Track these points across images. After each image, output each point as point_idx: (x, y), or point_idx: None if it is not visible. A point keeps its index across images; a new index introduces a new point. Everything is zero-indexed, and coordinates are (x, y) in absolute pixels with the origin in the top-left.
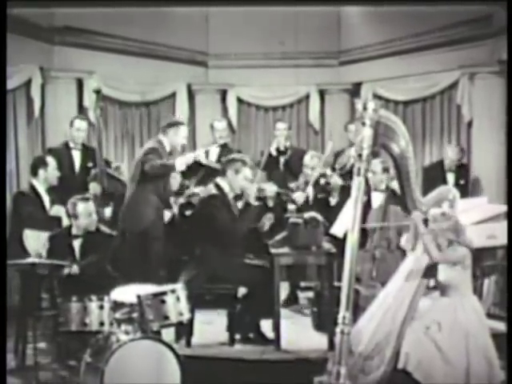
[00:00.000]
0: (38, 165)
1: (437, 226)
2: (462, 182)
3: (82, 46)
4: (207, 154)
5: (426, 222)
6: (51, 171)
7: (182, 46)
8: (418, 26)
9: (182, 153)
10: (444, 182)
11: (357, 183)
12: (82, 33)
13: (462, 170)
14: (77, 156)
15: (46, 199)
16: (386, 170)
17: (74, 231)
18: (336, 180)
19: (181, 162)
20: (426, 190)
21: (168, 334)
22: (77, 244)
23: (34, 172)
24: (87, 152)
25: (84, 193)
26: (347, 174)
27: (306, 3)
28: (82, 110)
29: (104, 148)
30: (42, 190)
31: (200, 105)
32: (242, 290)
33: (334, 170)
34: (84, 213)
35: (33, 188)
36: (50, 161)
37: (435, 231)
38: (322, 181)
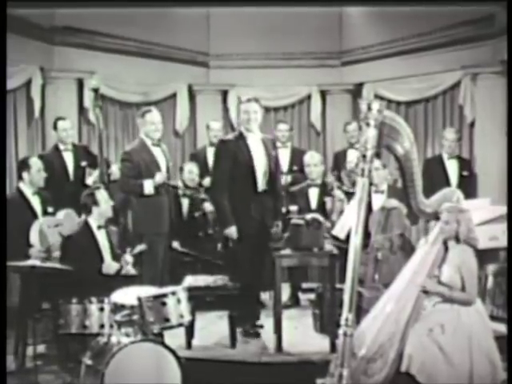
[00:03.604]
0: (21, 168)
1: (459, 215)
2: (465, 173)
3: (82, 47)
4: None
5: (436, 218)
6: (35, 173)
7: (183, 47)
8: (420, 27)
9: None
10: (444, 172)
11: (361, 184)
12: (82, 33)
13: (465, 161)
14: (69, 157)
15: (35, 201)
16: (385, 166)
17: (97, 222)
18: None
19: (148, 185)
20: (426, 182)
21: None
22: (101, 237)
23: (20, 175)
24: (78, 151)
25: (81, 192)
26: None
27: (307, 4)
28: (82, 110)
29: (104, 148)
30: (28, 193)
31: (201, 105)
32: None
33: (339, 178)
34: (103, 199)
35: (20, 192)
36: (33, 162)
37: (458, 220)
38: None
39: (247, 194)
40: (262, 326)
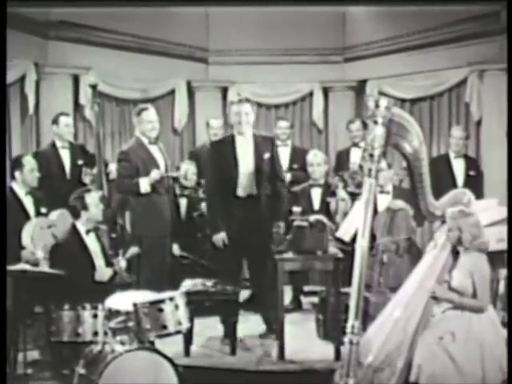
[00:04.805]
0: (14, 167)
1: (461, 221)
2: (472, 172)
3: (78, 42)
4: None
5: (443, 222)
6: (28, 173)
7: (182, 42)
8: (426, 22)
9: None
10: (451, 171)
11: (368, 185)
12: (78, 28)
13: (471, 160)
14: (66, 155)
15: (28, 202)
16: (390, 165)
17: (85, 226)
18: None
19: (144, 183)
20: (432, 181)
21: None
22: (91, 242)
23: (12, 175)
24: (75, 149)
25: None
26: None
27: (309, 3)
28: (78, 107)
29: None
30: (21, 193)
31: (200, 102)
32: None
33: (343, 179)
34: (93, 202)
35: (13, 192)
36: (27, 161)
37: (460, 227)
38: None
39: (228, 199)
40: None
